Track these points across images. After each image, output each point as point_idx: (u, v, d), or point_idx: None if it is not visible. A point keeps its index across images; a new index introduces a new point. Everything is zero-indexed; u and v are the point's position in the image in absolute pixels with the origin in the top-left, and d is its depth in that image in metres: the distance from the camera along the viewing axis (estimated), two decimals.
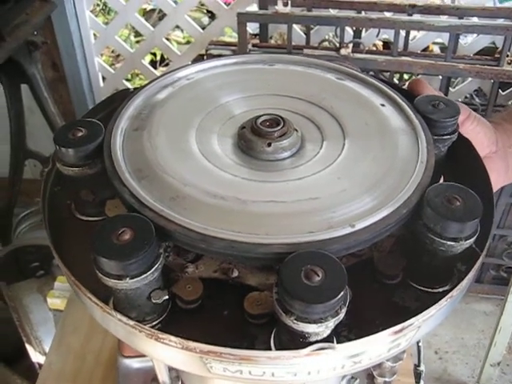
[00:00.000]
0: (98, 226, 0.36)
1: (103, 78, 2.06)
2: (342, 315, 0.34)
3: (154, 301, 0.38)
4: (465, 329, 1.89)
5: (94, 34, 1.95)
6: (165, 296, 0.38)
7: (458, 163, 0.51)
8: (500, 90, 1.60)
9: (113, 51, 2.45)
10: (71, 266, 0.41)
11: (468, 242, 0.38)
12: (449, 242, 0.38)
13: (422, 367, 1.34)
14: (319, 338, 0.34)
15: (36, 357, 1.47)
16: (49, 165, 0.51)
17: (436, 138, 0.47)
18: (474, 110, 0.55)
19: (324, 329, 0.33)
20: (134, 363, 0.75)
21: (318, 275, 0.33)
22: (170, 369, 0.55)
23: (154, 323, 0.39)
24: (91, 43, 1.94)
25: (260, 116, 0.45)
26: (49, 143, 0.46)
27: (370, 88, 0.52)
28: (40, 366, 1.35)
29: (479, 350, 1.82)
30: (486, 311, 1.94)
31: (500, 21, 1.52)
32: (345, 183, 0.42)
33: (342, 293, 0.33)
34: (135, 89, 0.53)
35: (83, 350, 0.91)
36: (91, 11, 1.93)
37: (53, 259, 1.86)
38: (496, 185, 0.57)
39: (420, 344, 0.77)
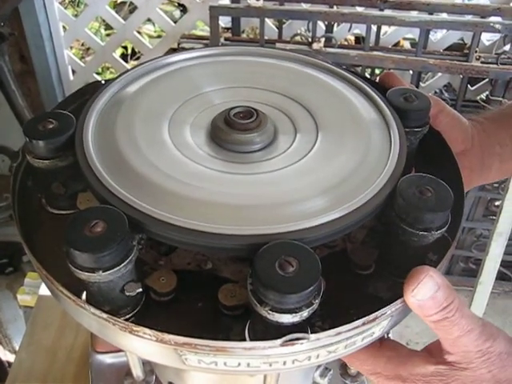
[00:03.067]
0: (70, 219, 0.36)
1: (73, 72, 2.03)
2: (316, 305, 0.34)
3: (127, 293, 0.37)
4: None
5: (64, 27, 1.91)
6: (138, 289, 0.38)
7: (429, 155, 0.52)
8: (469, 85, 1.63)
9: (83, 44, 2.40)
10: (43, 260, 0.41)
11: (439, 231, 0.39)
12: (421, 233, 0.38)
13: None
14: (294, 328, 0.34)
15: (5, 355, 1.45)
16: (18, 159, 0.50)
17: (408, 130, 0.48)
18: None
19: (298, 319, 0.34)
20: (107, 359, 0.74)
21: (292, 266, 0.34)
22: (144, 363, 0.54)
23: (128, 316, 0.39)
24: (60, 36, 1.90)
25: (233, 108, 0.45)
26: (17, 137, 0.45)
27: (342, 81, 0.52)
28: (10, 364, 1.33)
29: None
30: None
31: (469, 17, 1.55)
32: (318, 175, 0.42)
33: (316, 283, 0.33)
34: (106, 81, 0.52)
35: (54, 346, 0.89)
36: (60, 3, 1.89)
37: (22, 256, 1.83)
38: (469, 183, 0.55)
39: (390, 335, 0.79)
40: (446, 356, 0.39)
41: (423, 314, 0.38)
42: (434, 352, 0.40)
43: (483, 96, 1.66)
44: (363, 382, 0.70)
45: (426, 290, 0.37)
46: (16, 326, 1.49)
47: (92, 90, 0.51)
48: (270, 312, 0.33)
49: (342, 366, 0.61)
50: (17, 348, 1.27)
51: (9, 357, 1.43)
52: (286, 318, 0.33)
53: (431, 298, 0.37)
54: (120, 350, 0.72)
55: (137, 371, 0.54)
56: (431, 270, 0.37)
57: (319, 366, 0.57)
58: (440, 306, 0.37)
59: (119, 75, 0.52)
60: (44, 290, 0.98)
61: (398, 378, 0.41)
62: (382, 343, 0.43)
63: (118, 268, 0.35)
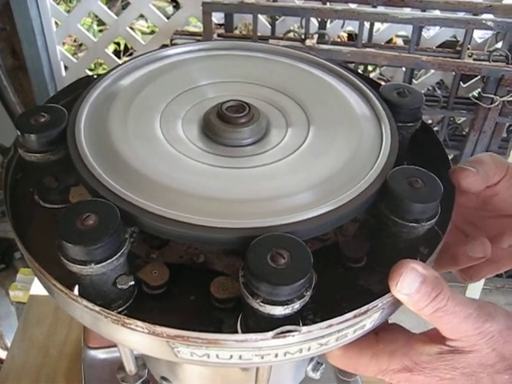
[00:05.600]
0: (62, 212, 0.36)
1: (65, 67, 2.02)
2: (307, 297, 0.34)
3: (119, 286, 0.37)
4: None
5: (56, 22, 1.90)
6: (131, 281, 0.38)
7: (421, 150, 0.52)
8: (461, 82, 1.63)
9: (75, 40, 2.40)
10: (36, 254, 0.40)
11: (429, 223, 0.39)
12: (411, 224, 0.38)
13: None
14: (285, 320, 0.35)
15: None
16: (10, 154, 0.50)
17: (400, 125, 0.48)
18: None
19: (290, 311, 0.34)
20: (100, 354, 0.74)
21: (284, 258, 0.34)
22: (137, 357, 0.54)
23: (121, 309, 0.39)
24: (53, 31, 1.89)
25: (226, 102, 0.45)
26: (9, 133, 0.45)
27: (335, 76, 0.52)
28: (2, 361, 1.33)
29: None
30: None
31: (461, 14, 1.55)
32: (309, 168, 0.42)
33: (307, 275, 0.33)
34: (98, 75, 0.52)
35: (47, 342, 0.89)
36: None
37: (14, 252, 1.83)
38: None
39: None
40: (448, 342, 0.39)
41: (415, 308, 0.38)
42: (434, 338, 0.40)
43: (475, 93, 1.67)
44: (356, 376, 0.70)
45: (409, 282, 0.37)
46: (8, 323, 1.48)
47: (84, 85, 0.51)
48: (262, 304, 0.33)
49: None
50: (9, 344, 1.27)
51: (1, 353, 1.43)
52: (278, 310, 0.33)
53: (417, 290, 0.37)
54: (112, 346, 0.72)
55: (129, 365, 0.54)
56: (412, 262, 0.37)
57: (311, 360, 0.57)
58: (429, 298, 0.37)
59: (112, 69, 0.52)
60: (36, 286, 0.98)
61: (405, 369, 0.41)
62: (379, 339, 0.42)
63: (110, 261, 0.35)
